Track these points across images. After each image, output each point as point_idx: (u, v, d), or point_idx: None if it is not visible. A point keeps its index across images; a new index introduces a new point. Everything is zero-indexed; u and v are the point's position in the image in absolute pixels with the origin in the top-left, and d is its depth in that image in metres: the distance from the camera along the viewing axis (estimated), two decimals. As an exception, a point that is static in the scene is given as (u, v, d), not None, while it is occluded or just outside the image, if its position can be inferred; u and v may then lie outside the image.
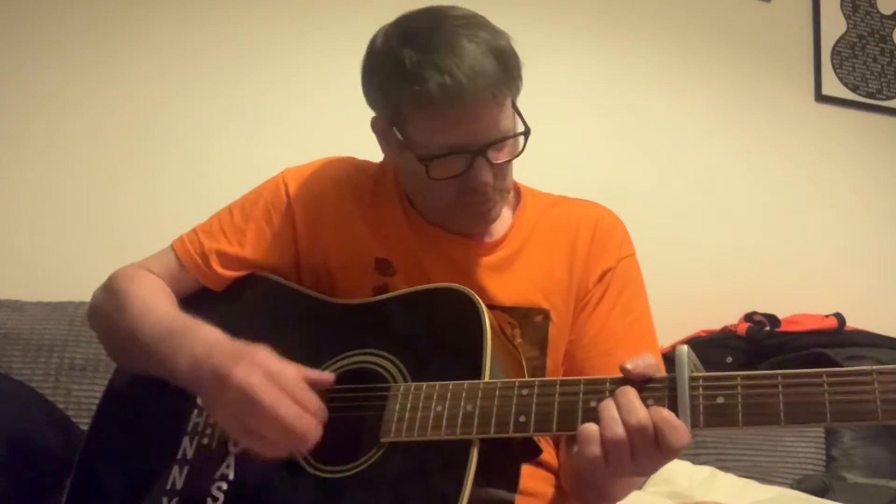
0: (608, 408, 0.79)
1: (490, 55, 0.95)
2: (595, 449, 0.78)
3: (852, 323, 2.23)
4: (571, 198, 1.19)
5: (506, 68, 0.97)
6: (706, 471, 1.74)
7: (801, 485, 1.78)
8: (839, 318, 2.22)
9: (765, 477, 1.83)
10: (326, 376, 0.92)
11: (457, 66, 0.92)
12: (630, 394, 0.79)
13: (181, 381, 0.93)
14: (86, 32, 2.01)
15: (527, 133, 1.01)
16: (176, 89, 2.05)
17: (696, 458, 1.80)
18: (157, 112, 2.03)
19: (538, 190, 1.20)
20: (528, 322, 1.07)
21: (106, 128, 1.99)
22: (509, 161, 1.02)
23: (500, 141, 0.98)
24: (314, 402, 0.87)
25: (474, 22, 0.99)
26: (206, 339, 0.93)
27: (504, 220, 1.13)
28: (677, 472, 1.71)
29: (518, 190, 1.17)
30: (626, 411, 0.78)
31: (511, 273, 1.09)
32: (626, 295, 1.11)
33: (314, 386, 0.89)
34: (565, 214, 1.15)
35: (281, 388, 0.85)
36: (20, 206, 1.91)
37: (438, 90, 0.92)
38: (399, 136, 1.01)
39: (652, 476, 1.73)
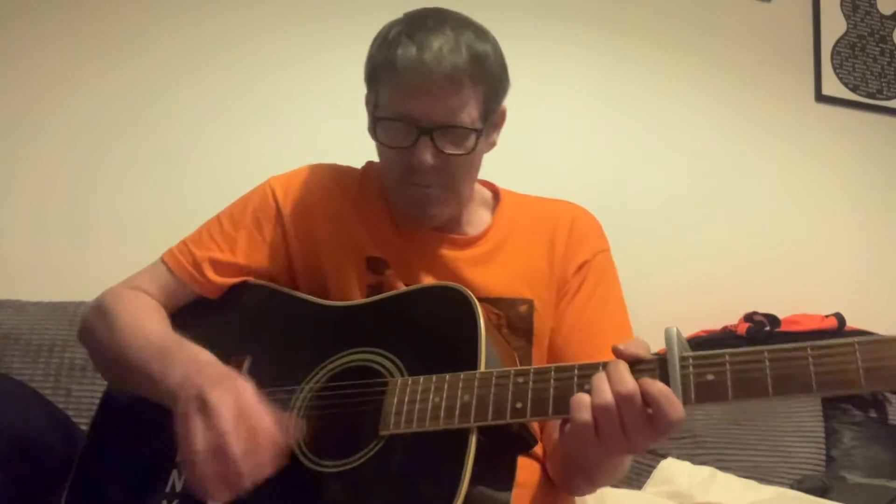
0: (599, 379, 0.81)
1: (465, 49, 1.00)
2: (585, 415, 0.80)
3: (852, 323, 2.23)
4: (548, 198, 1.23)
5: (478, 66, 1.01)
6: (706, 471, 1.74)
7: (801, 485, 1.78)
8: (839, 318, 2.22)
9: (765, 477, 1.83)
10: (294, 427, 0.90)
11: (427, 43, 0.98)
12: (620, 366, 0.81)
13: (168, 401, 0.90)
14: (86, 32, 2.01)
15: (477, 132, 1.04)
16: (176, 90, 2.05)
17: (695, 458, 1.80)
18: (157, 112, 2.03)
19: (515, 192, 1.23)
20: (513, 312, 1.09)
21: (106, 128, 1.99)
22: (460, 156, 1.04)
23: (447, 127, 1.01)
24: (270, 447, 0.84)
25: (469, 24, 1.04)
26: (197, 359, 0.93)
27: (483, 220, 1.17)
28: (677, 472, 1.71)
29: (496, 192, 1.22)
30: (615, 381, 0.80)
31: (494, 266, 1.12)
32: (603, 286, 1.14)
33: (283, 436, 0.87)
34: (543, 212, 1.19)
35: (244, 422, 0.83)
36: (20, 206, 1.91)
37: (402, 56, 0.99)
38: (373, 102, 1.07)
39: (652, 476, 1.73)
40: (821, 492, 1.69)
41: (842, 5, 2.68)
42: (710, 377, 0.78)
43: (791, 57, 2.61)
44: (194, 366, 0.91)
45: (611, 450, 0.82)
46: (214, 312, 1.10)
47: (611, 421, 0.79)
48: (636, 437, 0.80)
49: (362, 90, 1.10)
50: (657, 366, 0.81)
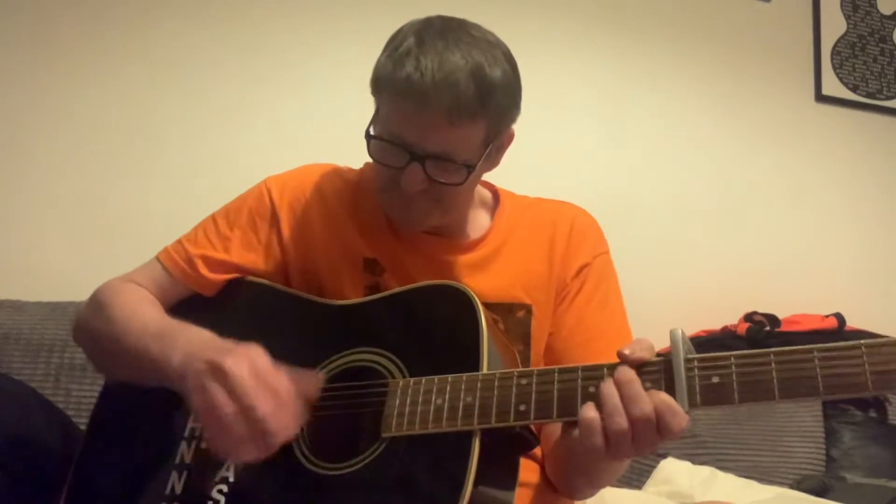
0: (611, 396, 0.80)
1: (473, 79, 0.95)
2: (598, 440, 0.80)
3: (852, 323, 2.23)
4: (548, 199, 1.22)
5: (483, 99, 0.96)
6: (706, 471, 1.74)
7: (801, 485, 1.78)
8: (839, 318, 2.22)
9: (765, 477, 1.83)
10: (315, 381, 0.92)
11: (433, 71, 0.93)
12: (635, 383, 0.80)
13: (172, 381, 0.90)
14: (86, 34, 2.01)
15: (469, 168, 1.00)
16: (175, 90, 2.05)
17: (695, 458, 1.80)
18: (157, 112, 2.03)
19: (515, 193, 1.22)
20: (511, 317, 1.09)
21: (106, 128, 1.99)
22: (451, 186, 1.00)
23: (438, 158, 0.98)
24: (294, 404, 0.85)
25: (482, 47, 0.98)
26: (199, 337, 0.93)
27: (482, 223, 1.16)
28: (677, 472, 1.71)
29: (496, 194, 1.20)
30: (631, 401, 0.79)
31: (492, 270, 1.11)
32: (603, 289, 1.13)
33: (304, 392, 0.88)
34: (543, 214, 1.17)
35: (264, 384, 0.84)
36: (20, 206, 1.91)
37: (404, 80, 0.94)
38: (375, 108, 1.04)
39: (652, 476, 1.73)
40: (821, 492, 1.69)
41: (842, 5, 2.68)
42: (716, 379, 0.78)
43: (791, 57, 2.61)
44: (196, 343, 0.91)
45: (618, 457, 0.82)
46: (211, 310, 1.09)
47: (623, 440, 0.79)
48: (644, 447, 0.80)
49: (363, 91, 1.09)
50: (662, 368, 0.81)
